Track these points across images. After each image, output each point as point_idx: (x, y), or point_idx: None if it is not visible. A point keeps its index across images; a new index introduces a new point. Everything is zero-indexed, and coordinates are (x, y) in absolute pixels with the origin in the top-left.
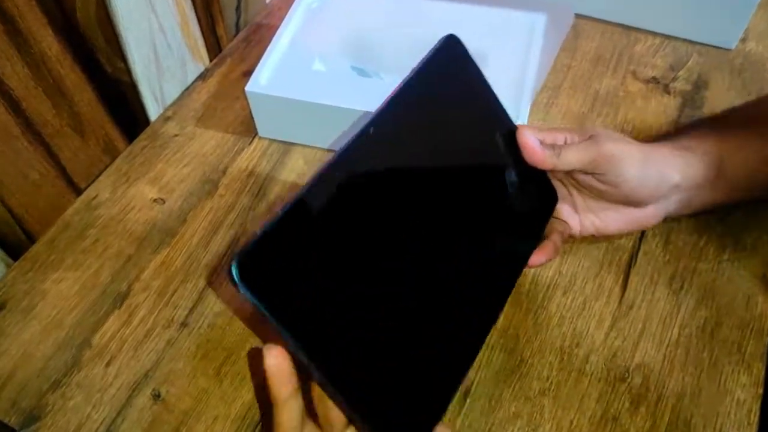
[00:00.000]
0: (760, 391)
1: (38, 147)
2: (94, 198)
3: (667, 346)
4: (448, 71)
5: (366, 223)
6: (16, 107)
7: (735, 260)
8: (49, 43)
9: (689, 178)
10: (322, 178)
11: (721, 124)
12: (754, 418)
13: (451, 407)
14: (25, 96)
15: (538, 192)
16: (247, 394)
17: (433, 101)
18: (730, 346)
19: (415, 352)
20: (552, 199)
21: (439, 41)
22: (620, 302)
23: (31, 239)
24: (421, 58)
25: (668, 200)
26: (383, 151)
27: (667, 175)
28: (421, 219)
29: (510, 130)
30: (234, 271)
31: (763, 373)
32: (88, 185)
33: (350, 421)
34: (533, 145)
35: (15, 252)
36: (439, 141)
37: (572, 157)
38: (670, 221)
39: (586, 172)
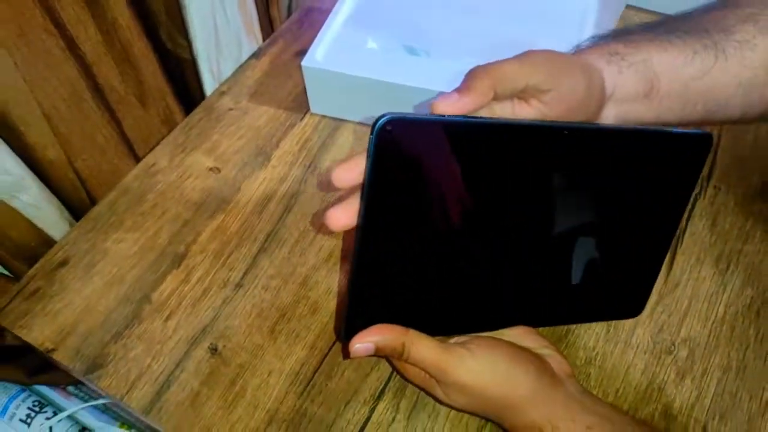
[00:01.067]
0: None
1: (104, 112)
2: (153, 165)
3: (713, 322)
4: (670, 160)
5: (495, 193)
6: (87, 71)
7: None
8: (121, 10)
9: (622, 91)
10: (491, 127)
11: (653, 33)
12: None
13: None
14: (95, 61)
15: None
16: (300, 351)
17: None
18: None
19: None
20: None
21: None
22: (666, 280)
23: (93, 202)
24: (669, 137)
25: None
26: (554, 149)
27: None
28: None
29: None
30: (380, 124)
31: None
32: (147, 153)
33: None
34: None
35: (78, 214)
36: (604, 196)
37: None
38: (717, 204)
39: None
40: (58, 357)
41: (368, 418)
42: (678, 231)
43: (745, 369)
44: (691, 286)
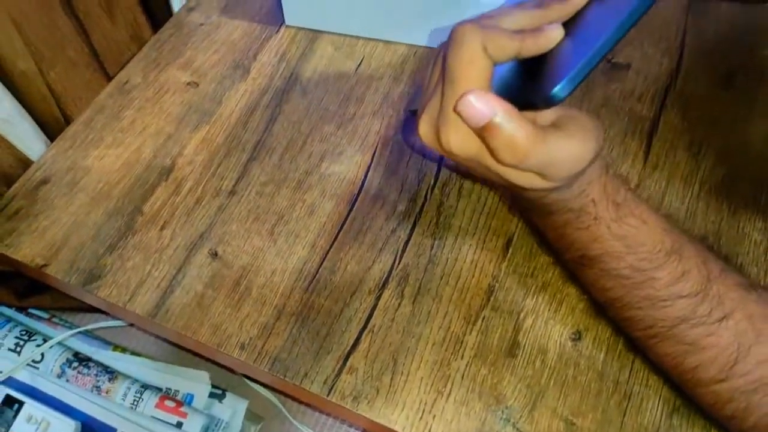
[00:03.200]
0: None
1: (74, 22)
2: (126, 82)
3: (690, 199)
4: None
5: None
6: None
7: (747, 125)
8: None
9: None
10: None
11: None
12: None
13: (495, 254)
14: None
15: None
16: (302, 250)
17: None
18: (747, 197)
19: None
20: None
21: None
22: (645, 164)
23: (68, 120)
24: None
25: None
26: None
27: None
28: None
29: None
30: None
31: None
32: (118, 71)
33: None
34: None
35: (53, 134)
36: None
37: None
38: (686, 94)
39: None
40: (52, 272)
41: (375, 306)
42: (652, 119)
43: (721, 238)
44: (668, 168)
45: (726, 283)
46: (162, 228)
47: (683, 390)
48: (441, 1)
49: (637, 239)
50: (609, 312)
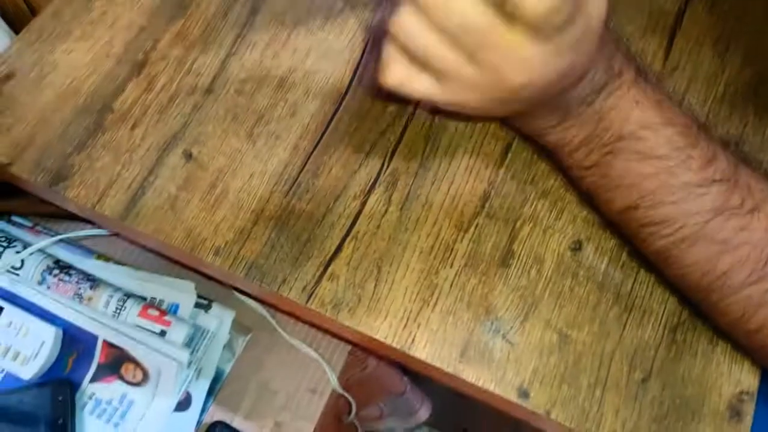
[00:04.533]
0: None
1: None
2: None
3: (712, 101)
4: None
5: None
6: None
7: None
8: None
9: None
10: None
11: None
12: None
13: (492, 159)
14: None
15: None
16: (282, 152)
17: None
18: None
19: None
20: None
21: None
22: (665, 64)
23: (34, 12)
24: None
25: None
26: None
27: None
28: None
29: None
30: None
31: None
32: None
33: None
34: None
35: (17, 26)
36: None
37: None
38: None
39: None
40: (17, 171)
41: (360, 211)
42: (677, 14)
43: (745, 144)
44: (689, 68)
45: (751, 173)
46: (133, 127)
47: (706, 304)
48: None
49: (672, 110)
50: (631, 221)
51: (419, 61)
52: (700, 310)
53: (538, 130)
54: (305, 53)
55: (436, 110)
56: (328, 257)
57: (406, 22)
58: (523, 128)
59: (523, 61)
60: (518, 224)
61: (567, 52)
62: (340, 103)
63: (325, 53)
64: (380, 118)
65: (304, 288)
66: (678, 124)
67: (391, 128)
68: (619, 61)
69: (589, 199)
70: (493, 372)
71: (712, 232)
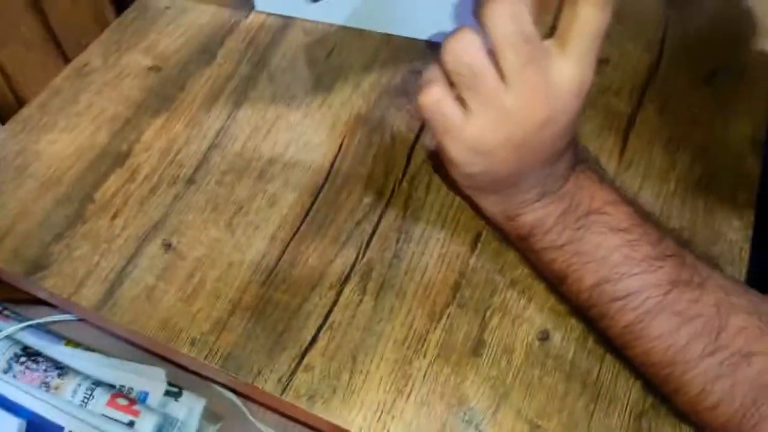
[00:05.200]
0: (750, 233)
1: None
2: (86, 65)
3: (664, 197)
4: None
5: None
6: None
7: (727, 122)
8: None
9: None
10: None
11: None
12: (745, 256)
13: (463, 249)
14: None
15: None
16: (261, 242)
17: None
18: (724, 197)
19: None
20: None
21: None
22: (620, 161)
23: (21, 103)
24: None
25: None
26: None
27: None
28: None
29: None
30: None
31: (752, 218)
32: (78, 54)
33: None
34: None
35: (5, 116)
36: None
37: None
38: (666, 91)
39: None
40: None
41: (335, 301)
42: (630, 115)
43: (696, 236)
44: (643, 165)
45: (691, 254)
46: (114, 217)
47: (670, 380)
48: None
49: (624, 193)
50: (602, 296)
51: (461, 83)
52: (663, 390)
53: (518, 207)
54: (285, 146)
55: (436, 160)
56: (303, 348)
57: (462, 40)
58: (504, 207)
59: (556, 89)
60: (488, 314)
61: (584, 94)
62: (317, 196)
63: (304, 147)
64: (355, 210)
65: (280, 379)
66: (632, 204)
67: (366, 220)
68: (581, 148)
69: (557, 283)
70: None
71: (671, 303)
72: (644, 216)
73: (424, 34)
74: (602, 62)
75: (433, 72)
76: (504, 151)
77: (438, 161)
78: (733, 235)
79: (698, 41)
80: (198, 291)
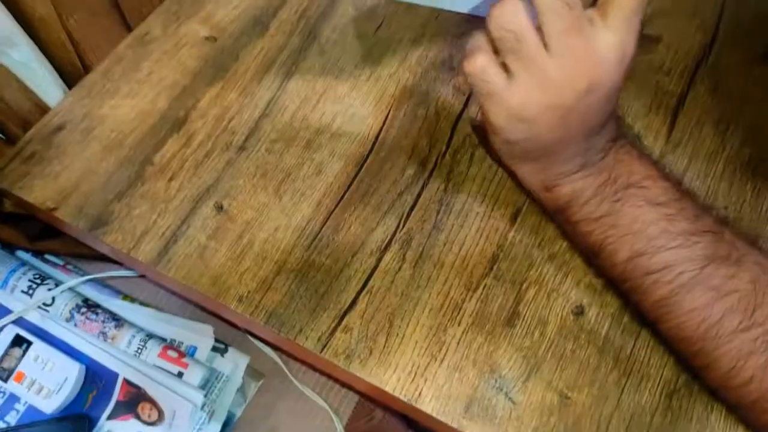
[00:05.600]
0: None
1: None
2: (146, 34)
3: (712, 178)
4: None
5: None
6: None
7: None
8: None
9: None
10: None
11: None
12: None
13: (502, 224)
14: None
15: None
16: (306, 209)
17: None
18: None
19: None
20: None
21: None
22: (667, 141)
23: (87, 69)
24: None
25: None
26: None
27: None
28: None
29: None
30: None
31: None
32: (139, 23)
33: None
34: None
35: (71, 82)
36: None
37: None
38: (719, 68)
39: None
40: (61, 215)
41: (375, 267)
42: (680, 95)
43: (742, 221)
44: (691, 145)
45: (732, 231)
46: (170, 179)
47: (702, 355)
48: None
49: (664, 169)
50: (636, 269)
51: (505, 49)
52: (695, 365)
53: (557, 178)
54: (332, 117)
55: (481, 132)
56: (343, 310)
57: (506, 7)
58: (543, 176)
59: (598, 56)
60: (524, 286)
61: (626, 63)
62: (362, 166)
63: (351, 118)
64: (398, 182)
65: (319, 338)
66: (671, 179)
67: (408, 191)
68: (622, 123)
69: (593, 256)
70: (496, 429)
71: (706, 278)
72: (683, 192)
73: (470, 8)
74: (654, 40)
75: (478, 39)
76: (546, 118)
77: (482, 133)
78: None
79: (754, 20)
80: (246, 252)
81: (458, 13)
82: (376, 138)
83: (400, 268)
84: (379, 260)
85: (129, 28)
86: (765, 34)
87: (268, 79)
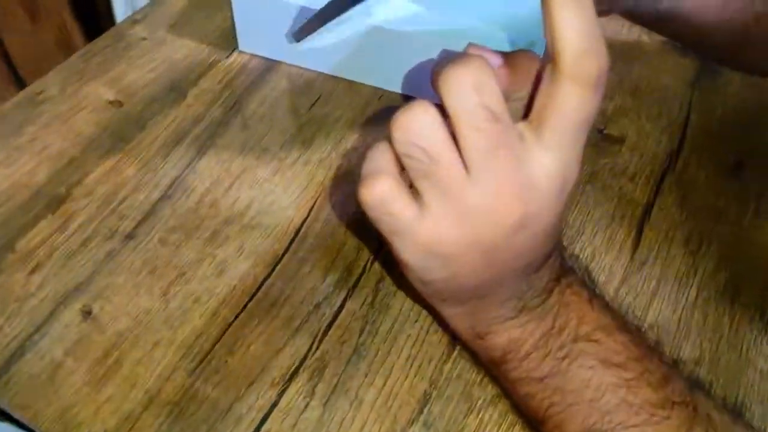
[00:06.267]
0: None
1: None
2: (40, 93)
3: (684, 307)
4: None
5: None
6: None
7: (757, 221)
8: None
9: None
10: None
11: None
12: None
13: (438, 351)
14: None
15: None
16: (198, 319)
17: None
18: (753, 313)
19: None
20: None
21: None
22: (632, 257)
23: None
24: None
25: None
26: None
27: None
28: None
29: None
30: None
31: None
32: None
33: None
34: None
35: None
36: None
37: None
38: (687, 179)
39: None
40: None
41: (275, 404)
42: (646, 204)
43: (719, 361)
44: (659, 264)
45: (707, 401)
46: (32, 272)
47: None
48: (417, 43)
49: (621, 316)
50: None
51: (415, 170)
52: None
53: (490, 324)
54: (246, 205)
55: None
56: None
57: (415, 115)
58: (472, 322)
59: (531, 184)
60: None
61: (568, 190)
62: (275, 267)
63: (268, 207)
64: (317, 289)
65: None
66: (631, 331)
67: (327, 302)
68: (567, 257)
69: (537, 424)
70: None
71: None
72: (646, 347)
73: (419, 92)
74: (618, 141)
75: (379, 156)
76: (469, 256)
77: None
78: (764, 363)
79: (724, 127)
80: (111, 374)
81: (403, 95)
82: (296, 233)
83: (306, 406)
84: (281, 394)
85: (23, 85)
86: (735, 143)
87: (177, 155)
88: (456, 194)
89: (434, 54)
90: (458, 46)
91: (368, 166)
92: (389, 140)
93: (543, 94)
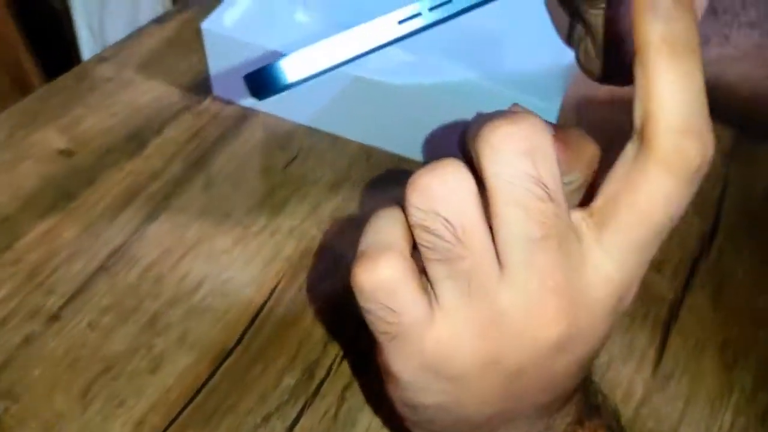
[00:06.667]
0: None
1: None
2: None
3: None
4: None
5: None
6: None
7: None
8: None
9: None
10: None
11: None
12: None
13: None
14: None
15: None
16: (121, 428)
17: None
18: None
19: None
20: None
21: None
22: (656, 369)
23: None
24: None
25: None
26: None
27: None
28: None
29: None
30: None
31: None
32: None
33: None
34: None
35: None
36: None
37: None
38: (722, 271)
39: None
40: None
41: None
42: (672, 302)
43: None
44: (687, 381)
45: None
46: None
47: None
48: (415, 96)
49: None
50: None
51: (433, 250)
52: None
53: None
54: (197, 283)
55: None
56: None
57: (444, 179)
58: None
59: (583, 295)
60: None
61: (620, 312)
62: (221, 364)
63: (223, 286)
64: (269, 395)
65: None
66: None
67: (280, 413)
68: (593, 393)
69: None
70: None
71: None
72: None
73: (413, 151)
74: None
75: (385, 227)
76: (485, 382)
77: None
78: None
79: (765, 206)
80: None
81: (396, 155)
82: (252, 320)
83: None
84: None
85: None
86: None
87: (125, 217)
88: (482, 294)
89: (436, 110)
90: (460, 102)
91: (370, 239)
92: (402, 206)
93: (615, 179)
